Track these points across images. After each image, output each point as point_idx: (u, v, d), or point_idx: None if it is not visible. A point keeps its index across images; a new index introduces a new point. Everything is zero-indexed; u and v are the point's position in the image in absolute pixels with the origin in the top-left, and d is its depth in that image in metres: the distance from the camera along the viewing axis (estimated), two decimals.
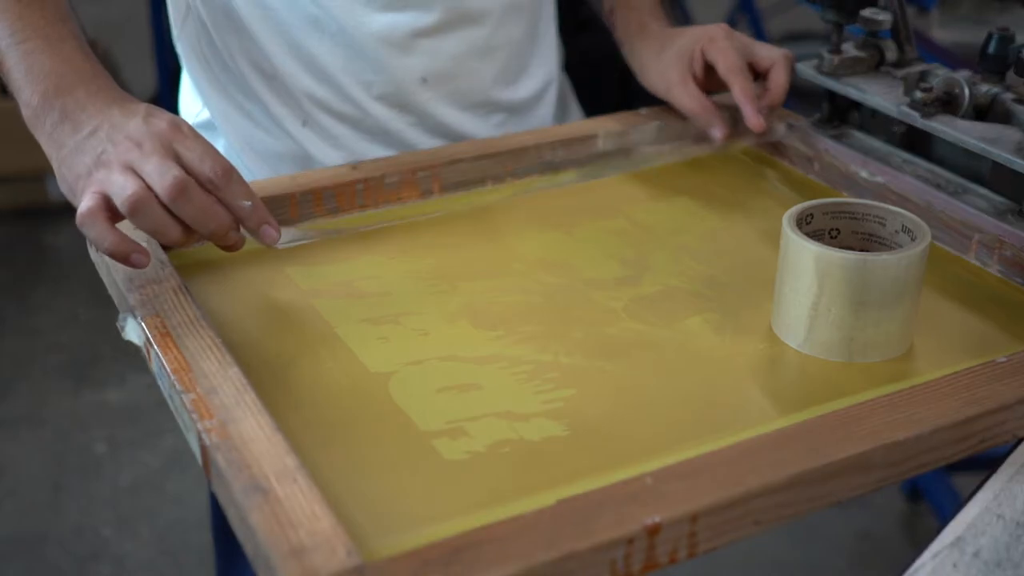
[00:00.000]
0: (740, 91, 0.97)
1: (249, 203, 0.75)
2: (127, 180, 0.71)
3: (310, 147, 1.01)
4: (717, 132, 0.99)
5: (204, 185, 0.73)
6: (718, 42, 0.98)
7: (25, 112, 0.78)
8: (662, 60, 1.02)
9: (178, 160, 0.73)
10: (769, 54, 0.99)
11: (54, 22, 0.80)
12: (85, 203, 0.72)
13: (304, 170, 1.00)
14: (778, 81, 0.98)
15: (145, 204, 0.71)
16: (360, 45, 0.97)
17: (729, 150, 1.02)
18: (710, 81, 1.01)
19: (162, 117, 0.75)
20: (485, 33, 1.01)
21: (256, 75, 1.00)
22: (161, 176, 0.71)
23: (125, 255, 0.72)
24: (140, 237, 0.77)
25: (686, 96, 1.00)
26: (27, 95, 0.77)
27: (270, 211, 0.76)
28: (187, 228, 0.73)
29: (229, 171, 0.74)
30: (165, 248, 0.80)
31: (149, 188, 0.71)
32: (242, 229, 0.77)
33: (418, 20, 0.97)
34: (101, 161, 0.73)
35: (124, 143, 0.73)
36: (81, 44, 0.80)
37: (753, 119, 0.97)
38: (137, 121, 0.74)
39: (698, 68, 1.00)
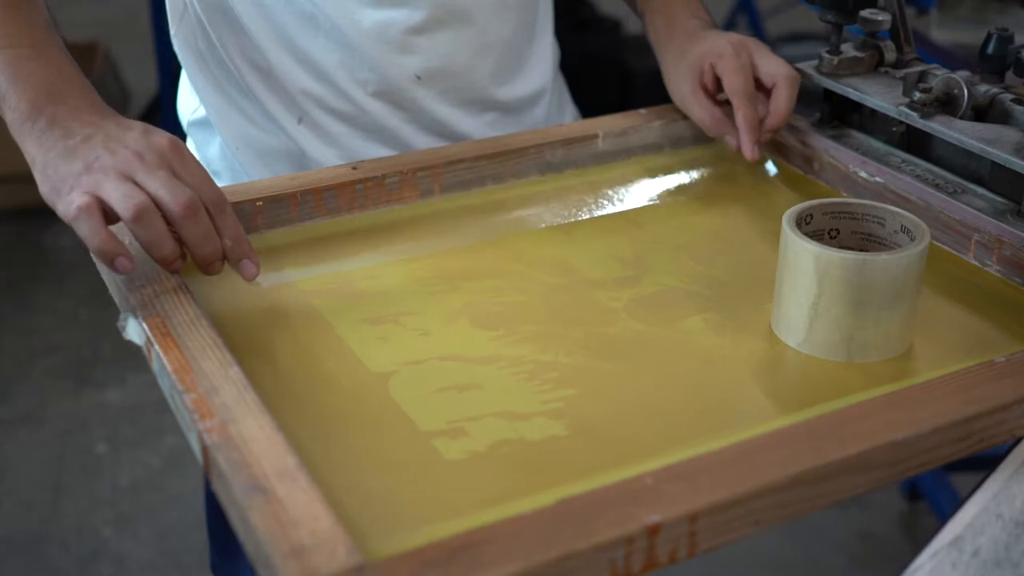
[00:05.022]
0: (742, 118, 0.95)
1: (233, 243, 0.76)
2: (130, 188, 0.72)
3: (305, 145, 1.01)
4: (733, 141, 0.97)
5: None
6: (726, 59, 0.96)
7: (9, 116, 0.78)
8: (679, 70, 1.01)
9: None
10: (772, 72, 0.96)
11: (39, 27, 0.81)
12: (79, 200, 0.72)
13: (299, 168, 1.01)
14: (778, 106, 0.96)
15: (150, 213, 0.72)
16: (354, 42, 0.97)
17: (729, 151, 1.02)
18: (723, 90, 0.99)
19: (162, 135, 0.76)
20: (477, 31, 1.01)
21: (252, 72, 1.00)
22: (173, 193, 0.72)
23: (112, 256, 0.72)
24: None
25: (696, 107, 0.99)
26: (14, 100, 0.77)
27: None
28: (180, 247, 0.74)
29: (224, 203, 0.76)
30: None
31: (152, 199, 0.72)
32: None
33: (410, 17, 0.97)
34: (94, 167, 0.73)
35: (123, 152, 0.74)
36: (67, 54, 0.81)
37: (748, 150, 0.95)
38: (135, 134, 0.75)
39: (708, 80, 0.98)
